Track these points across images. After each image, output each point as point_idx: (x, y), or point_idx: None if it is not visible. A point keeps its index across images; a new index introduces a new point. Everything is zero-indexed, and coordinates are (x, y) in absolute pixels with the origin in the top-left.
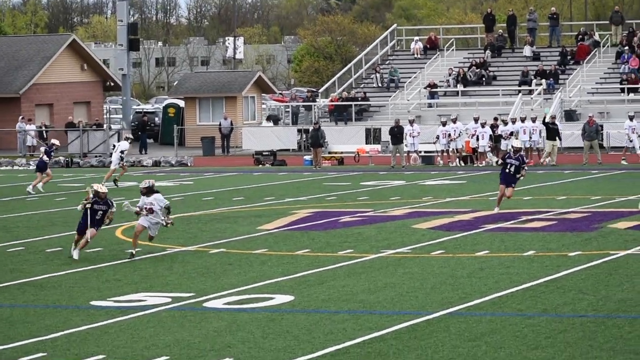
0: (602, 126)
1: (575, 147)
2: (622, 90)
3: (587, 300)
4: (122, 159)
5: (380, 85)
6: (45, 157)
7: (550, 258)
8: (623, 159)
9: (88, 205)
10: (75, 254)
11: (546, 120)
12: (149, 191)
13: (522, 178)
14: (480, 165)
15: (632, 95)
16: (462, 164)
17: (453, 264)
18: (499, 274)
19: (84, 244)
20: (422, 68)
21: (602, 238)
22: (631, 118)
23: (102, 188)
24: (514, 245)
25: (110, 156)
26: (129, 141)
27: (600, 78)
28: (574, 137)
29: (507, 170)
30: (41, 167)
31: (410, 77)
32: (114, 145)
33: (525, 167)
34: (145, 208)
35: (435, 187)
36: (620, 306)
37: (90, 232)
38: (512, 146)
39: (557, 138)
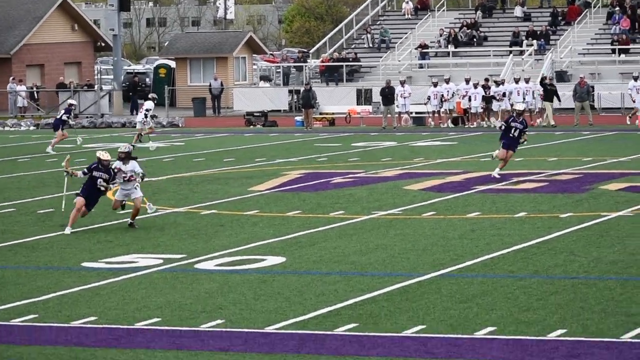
0: (593, 87)
1: (566, 108)
2: (613, 51)
3: (579, 262)
4: (146, 117)
5: (371, 45)
6: (64, 117)
7: (541, 219)
8: (629, 118)
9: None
10: (67, 230)
11: (545, 81)
12: (127, 157)
13: (524, 143)
14: (472, 126)
15: (623, 56)
16: (453, 125)
17: (444, 226)
18: (490, 236)
19: (75, 217)
20: (413, 29)
21: (593, 199)
22: (635, 78)
23: (104, 155)
24: (505, 206)
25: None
26: (155, 101)
27: (592, 39)
28: (565, 98)
29: (512, 135)
30: (56, 125)
31: (401, 38)
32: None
33: (527, 132)
34: (124, 178)
35: (426, 148)
36: (611, 268)
37: (78, 201)
38: (516, 109)
39: (554, 99)
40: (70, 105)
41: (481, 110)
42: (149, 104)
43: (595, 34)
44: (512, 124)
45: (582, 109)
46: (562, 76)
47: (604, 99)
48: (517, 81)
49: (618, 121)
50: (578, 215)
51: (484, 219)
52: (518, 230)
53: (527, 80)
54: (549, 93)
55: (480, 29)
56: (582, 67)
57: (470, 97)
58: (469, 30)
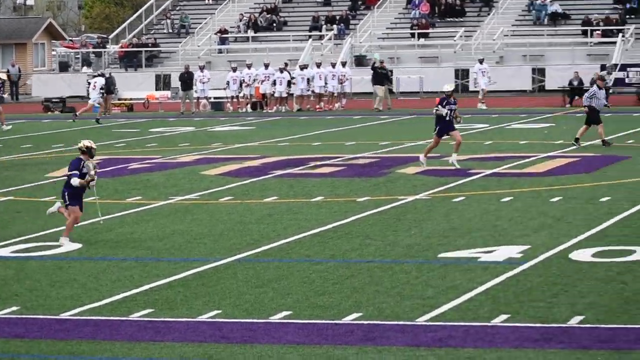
0: (392, 71)
1: (365, 92)
2: (413, 35)
3: (375, 246)
4: (102, 94)
5: (170, 31)
6: None
7: (338, 204)
8: (482, 103)
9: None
10: (65, 241)
11: (375, 65)
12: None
13: (460, 122)
14: (270, 111)
15: (422, 40)
16: (252, 110)
17: (241, 210)
18: (288, 220)
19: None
20: (212, 14)
21: (390, 183)
22: (481, 61)
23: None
24: (302, 190)
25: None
26: (104, 77)
27: (391, 23)
28: (363, 82)
29: (448, 118)
30: None
31: (200, 23)
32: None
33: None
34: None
35: (225, 133)
36: (407, 251)
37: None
38: (445, 91)
39: (385, 82)
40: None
41: (285, 95)
42: (100, 80)
43: (395, 18)
44: (448, 107)
45: None
46: (361, 60)
47: (403, 83)
48: (318, 65)
49: (417, 105)
50: (375, 199)
51: (281, 203)
52: (315, 215)
53: (333, 65)
54: (380, 77)
55: (280, 14)
56: (381, 52)
57: (275, 81)
58: (269, 15)
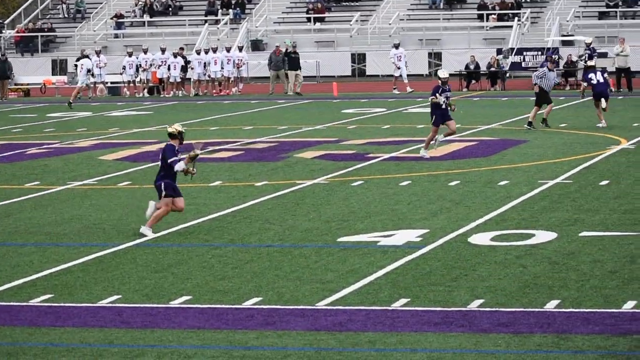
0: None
1: (261, 77)
2: (309, 19)
3: (274, 230)
4: (89, 72)
5: (66, 16)
6: None
7: (237, 188)
8: (394, 88)
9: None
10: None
11: (289, 50)
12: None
13: (454, 109)
14: (167, 95)
15: (318, 25)
16: (149, 95)
17: (140, 195)
18: (186, 205)
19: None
20: None
21: (288, 168)
22: (396, 46)
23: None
24: (200, 175)
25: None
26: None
27: (287, 7)
28: (260, 67)
29: (444, 107)
30: None
31: (96, 8)
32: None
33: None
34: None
35: (122, 118)
36: (306, 235)
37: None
38: (440, 77)
39: (299, 67)
40: None
41: (180, 79)
42: (87, 62)
43: (291, 2)
44: (443, 95)
45: (277, 78)
46: (257, 45)
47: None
48: (214, 50)
49: (314, 89)
50: (273, 183)
51: (180, 188)
52: (214, 199)
53: (228, 49)
54: (293, 61)
55: None
56: (277, 36)
57: (169, 66)
58: (165, 0)
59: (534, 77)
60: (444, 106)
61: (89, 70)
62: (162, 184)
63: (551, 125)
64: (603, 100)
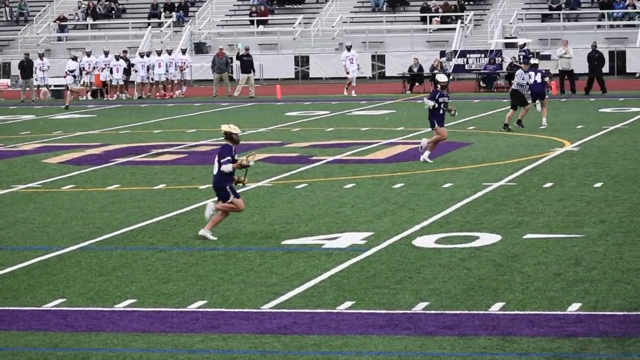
0: (231, 59)
1: (205, 79)
2: (252, 22)
3: (218, 234)
4: (75, 77)
5: (9, 19)
6: None
7: (181, 191)
8: (346, 89)
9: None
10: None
11: (241, 53)
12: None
13: (454, 114)
14: (111, 98)
15: (261, 27)
16: (92, 98)
17: (84, 199)
18: (130, 208)
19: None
20: (51, 1)
21: None
22: (348, 48)
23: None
24: (144, 178)
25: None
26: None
27: (230, 10)
28: (204, 69)
29: (441, 111)
30: None
31: (39, 11)
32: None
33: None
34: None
35: (66, 121)
36: (250, 239)
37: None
38: (440, 82)
39: (251, 70)
40: None
41: (122, 82)
42: (73, 64)
43: (234, 5)
44: (442, 100)
45: (220, 81)
46: (200, 48)
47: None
48: (159, 53)
49: (257, 92)
50: None
51: (124, 191)
52: (158, 202)
53: (169, 52)
54: (246, 64)
55: (119, 1)
56: (220, 39)
57: (112, 69)
58: (108, 3)
59: (514, 84)
60: (441, 111)
61: (73, 74)
62: (229, 187)
63: (495, 128)
64: (538, 101)
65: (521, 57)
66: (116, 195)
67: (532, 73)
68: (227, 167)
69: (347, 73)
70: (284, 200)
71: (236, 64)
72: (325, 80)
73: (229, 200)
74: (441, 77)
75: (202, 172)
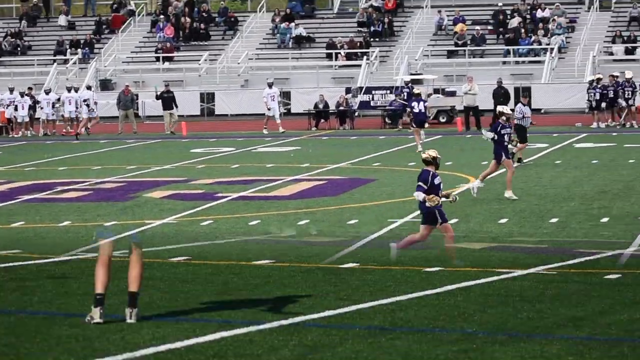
0: (137, 95)
1: (110, 116)
2: (158, 59)
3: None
4: (88, 106)
5: None
6: None
7: (86, 228)
8: (265, 128)
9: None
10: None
11: (162, 91)
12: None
13: (516, 145)
14: (16, 135)
15: (167, 64)
16: None
17: None
18: (35, 245)
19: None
20: None
21: (137, 207)
22: (270, 85)
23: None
24: (49, 215)
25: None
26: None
27: (136, 47)
28: (109, 106)
29: (506, 143)
30: None
31: None
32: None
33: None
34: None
35: None
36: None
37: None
38: (504, 113)
39: (174, 106)
40: None
41: (28, 119)
42: (87, 93)
43: (140, 42)
44: (504, 132)
45: (126, 117)
46: (106, 84)
47: (149, 106)
48: (69, 90)
49: (162, 129)
50: (122, 223)
51: (29, 228)
52: (64, 239)
53: (76, 90)
54: (167, 101)
55: (25, 38)
56: (126, 76)
57: (17, 105)
58: (13, 40)
59: (516, 120)
60: (505, 143)
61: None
62: (437, 211)
63: (401, 164)
64: (422, 130)
65: (405, 94)
66: (20, 232)
67: (418, 102)
68: (419, 195)
69: (269, 109)
70: (189, 238)
71: (157, 102)
72: (231, 116)
73: (439, 223)
74: (506, 109)
75: (107, 209)
